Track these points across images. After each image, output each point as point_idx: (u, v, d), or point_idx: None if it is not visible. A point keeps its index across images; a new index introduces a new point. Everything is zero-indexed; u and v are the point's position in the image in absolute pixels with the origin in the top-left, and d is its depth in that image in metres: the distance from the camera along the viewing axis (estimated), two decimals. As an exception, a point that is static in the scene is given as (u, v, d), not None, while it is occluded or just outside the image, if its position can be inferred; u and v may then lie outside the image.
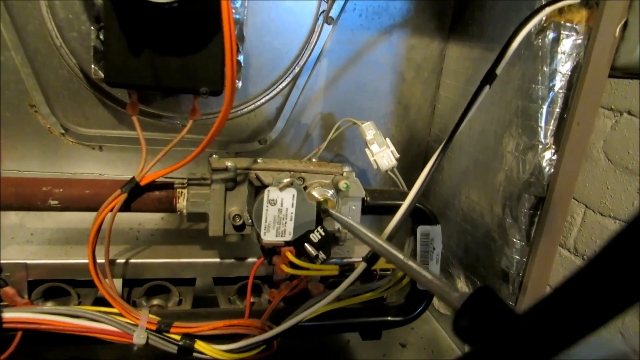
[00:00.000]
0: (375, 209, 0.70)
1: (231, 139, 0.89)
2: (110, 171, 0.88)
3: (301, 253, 0.60)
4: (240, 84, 0.73)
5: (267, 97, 0.85)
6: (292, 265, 0.59)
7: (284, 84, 0.86)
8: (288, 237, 0.58)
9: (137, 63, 0.57)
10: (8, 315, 0.58)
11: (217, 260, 0.74)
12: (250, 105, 0.84)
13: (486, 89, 0.58)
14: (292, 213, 0.58)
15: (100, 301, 0.69)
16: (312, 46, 0.85)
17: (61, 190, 0.61)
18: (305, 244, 0.59)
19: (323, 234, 0.59)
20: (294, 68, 0.85)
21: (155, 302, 0.73)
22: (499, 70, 0.58)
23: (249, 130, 0.90)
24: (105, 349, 0.77)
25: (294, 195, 0.57)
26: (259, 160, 0.67)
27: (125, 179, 0.87)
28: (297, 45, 0.85)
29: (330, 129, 0.87)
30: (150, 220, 0.83)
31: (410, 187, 0.84)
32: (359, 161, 0.99)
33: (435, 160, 0.59)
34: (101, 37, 0.65)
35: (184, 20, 0.55)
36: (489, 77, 0.58)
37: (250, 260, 0.74)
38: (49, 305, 0.68)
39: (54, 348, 0.74)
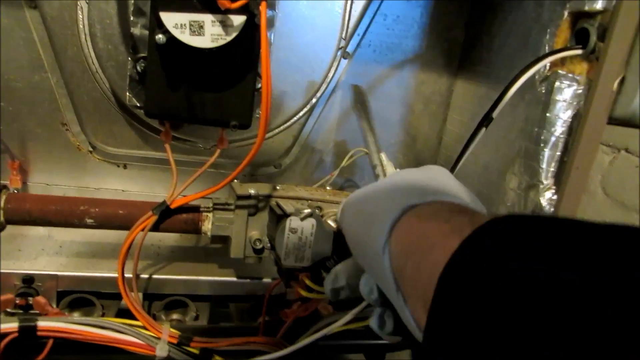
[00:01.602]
0: (385, 237, 0.74)
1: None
2: (133, 188, 0.93)
3: (317, 278, 0.64)
4: (263, 115, 0.78)
5: (286, 126, 0.90)
6: (308, 289, 0.63)
7: (301, 113, 0.91)
8: (306, 263, 0.63)
9: (174, 97, 0.62)
10: (43, 323, 0.63)
11: (234, 279, 0.79)
12: (270, 133, 0.90)
13: (482, 131, 0.63)
14: (311, 241, 0.62)
15: (122, 313, 0.73)
16: (329, 79, 0.91)
17: (97, 209, 0.66)
18: (322, 270, 0.63)
19: (337, 260, 0.64)
20: (312, 99, 0.90)
21: (174, 316, 0.78)
22: (495, 114, 0.63)
23: (266, 155, 0.95)
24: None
25: (313, 225, 0.62)
26: (277, 187, 0.72)
27: (146, 195, 0.93)
28: (316, 78, 0.90)
29: (342, 155, 0.93)
30: (170, 237, 0.88)
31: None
32: (368, 187, 1.04)
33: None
34: (137, 67, 0.70)
35: (219, 61, 0.61)
36: (485, 120, 0.63)
37: (265, 280, 0.78)
38: (77, 315, 0.72)
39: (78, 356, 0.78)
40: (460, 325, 0.23)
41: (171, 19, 0.54)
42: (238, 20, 0.55)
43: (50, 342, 0.64)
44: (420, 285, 0.29)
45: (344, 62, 0.92)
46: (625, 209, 0.66)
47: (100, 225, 0.67)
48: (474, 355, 0.22)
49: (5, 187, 0.67)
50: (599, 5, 0.66)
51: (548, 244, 0.23)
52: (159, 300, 0.78)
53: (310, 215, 0.62)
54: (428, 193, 0.36)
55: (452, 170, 0.67)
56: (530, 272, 0.21)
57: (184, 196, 0.68)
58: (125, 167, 0.91)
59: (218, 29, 0.55)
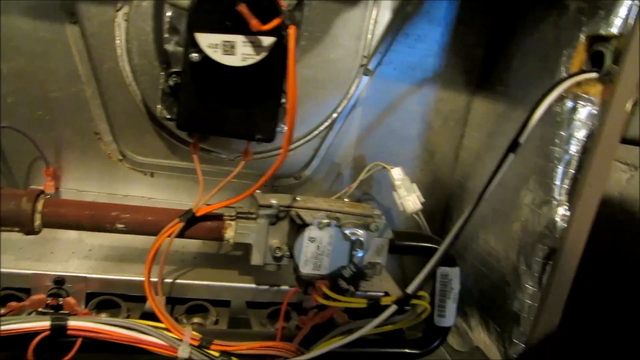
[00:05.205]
0: (401, 249, 0.77)
1: (270, 173, 0.97)
2: (159, 196, 0.97)
3: (333, 286, 0.67)
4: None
5: (307, 139, 0.94)
6: (326, 296, 0.66)
7: (322, 127, 0.94)
8: (324, 271, 0.66)
9: (205, 111, 0.66)
10: (73, 323, 0.66)
11: (253, 285, 0.82)
12: (291, 146, 0.93)
13: (511, 156, 0.65)
14: (328, 250, 0.65)
15: (146, 315, 0.76)
16: (350, 95, 0.94)
17: (128, 215, 0.69)
18: (338, 278, 0.66)
19: (354, 269, 0.67)
20: (333, 114, 0.94)
21: (196, 320, 0.81)
22: (522, 139, 0.65)
23: (287, 167, 0.98)
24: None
25: (331, 235, 0.65)
26: (298, 198, 0.75)
27: (171, 203, 0.96)
28: (338, 95, 0.93)
29: (360, 169, 0.95)
30: (192, 244, 0.91)
31: (432, 228, 0.91)
32: (385, 200, 1.06)
33: (465, 221, 0.66)
34: (170, 82, 0.74)
35: (248, 78, 0.64)
36: (514, 146, 0.65)
37: (283, 287, 0.81)
38: (104, 316, 0.76)
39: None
40: None
41: (205, 39, 0.58)
42: (268, 41, 0.59)
43: (79, 341, 0.68)
44: None
45: (365, 79, 0.95)
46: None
47: (130, 230, 0.70)
48: None
49: (42, 192, 0.71)
50: (615, 30, 0.68)
51: None
52: (180, 304, 0.81)
53: (328, 225, 0.64)
54: None
55: (481, 195, 0.68)
56: None
57: (209, 204, 0.71)
58: (152, 175, 0.95)
59: (249, 49, 0.59)
